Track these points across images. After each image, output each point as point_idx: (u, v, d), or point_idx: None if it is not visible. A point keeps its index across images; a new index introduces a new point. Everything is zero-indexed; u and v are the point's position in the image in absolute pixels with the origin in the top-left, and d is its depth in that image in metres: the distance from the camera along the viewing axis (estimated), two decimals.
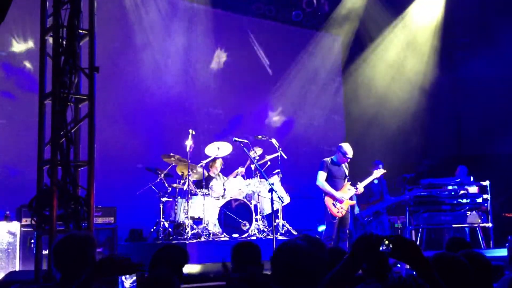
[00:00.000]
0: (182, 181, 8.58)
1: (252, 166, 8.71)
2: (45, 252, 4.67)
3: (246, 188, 8.63)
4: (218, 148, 8.85)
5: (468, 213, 9.01)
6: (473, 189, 9.27)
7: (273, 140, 8.62)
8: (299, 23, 12.32)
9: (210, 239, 7.87)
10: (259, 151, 8.84)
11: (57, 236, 4.24)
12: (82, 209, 4.50)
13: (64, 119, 4.58)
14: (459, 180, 9.29)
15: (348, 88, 13.24)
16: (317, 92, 12.69)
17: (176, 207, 8.33)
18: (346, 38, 12.93)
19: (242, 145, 8.12)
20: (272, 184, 7.63)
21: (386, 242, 2.27)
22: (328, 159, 8.01)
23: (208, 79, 11.31)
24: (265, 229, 8.47)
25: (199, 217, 8.22)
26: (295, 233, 8.43)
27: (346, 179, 8.06)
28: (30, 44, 9.11)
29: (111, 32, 9.76)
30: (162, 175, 8.51)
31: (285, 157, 8.75)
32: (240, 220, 8.09)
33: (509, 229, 8.48)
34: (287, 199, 8.62)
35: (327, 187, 7.83)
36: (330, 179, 7.90)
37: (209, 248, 7.53)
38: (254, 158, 8.53)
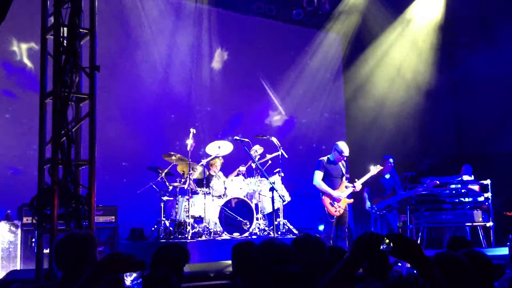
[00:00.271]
0: (183, 180, 8.59)
1: (253, 165, 8.72)
2: (46, 251, 4.67)
3: (247, 187, 8.63)
4: (219, 147, 8.86)
5: (469, 211, 9.01)
6: (474, 188, 9.26)
7: (274, 139, 8.62)
8: (299, 22, 12.31)
9: (211, 238, 7.88)
10: (260, 150, 8.84)
11: (58, 235, 4.25)
12: (83, 208, 4.51)
13: (65, 118, 4.58)
14: (460, 178, 9.28)
15: (348, 87, 13.23)
16: (318, 91, 12.69)
17: (177, 206, 8.35)
18: (347, 37, 12.92)
19: (243, 144, 8.12)
20: (273, 183, 7.64)
21: (387, 241, 2.27)
22: (324, 158, 8.00)
23: (209, 78, 11.31)
24: (266, 228, 8.48)
25: (200, 216, 8.22)
26: (296, 231, 8.44)
27: (343, 178, 8.06)
28: (31, 43, 9.12)
29: (111, 31, 9.77)
30: (163, 174, 8.52)
31: (286, 156, 8.75)
32: (241, 219, 8.10)
33: (510, 228, 8.48)
34: (287, 198, 8.62)
35: (324, 187, 7.82)
36: (327, 178, 7.89)
37: (210, 247, 7.53)
38: (255, 157, 8.54)
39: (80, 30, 4.78)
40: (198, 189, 8.44)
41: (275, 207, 7.53)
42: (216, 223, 8.11)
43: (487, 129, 11.68)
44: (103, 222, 7.55)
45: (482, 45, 11.79)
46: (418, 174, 10.38)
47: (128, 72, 10.29)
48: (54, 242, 2.98)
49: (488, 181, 9.05)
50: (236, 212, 8.14)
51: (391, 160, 9.10)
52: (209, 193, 8.32)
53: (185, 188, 8.44)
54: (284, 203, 8.51)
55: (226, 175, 9.09)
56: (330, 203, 7.79)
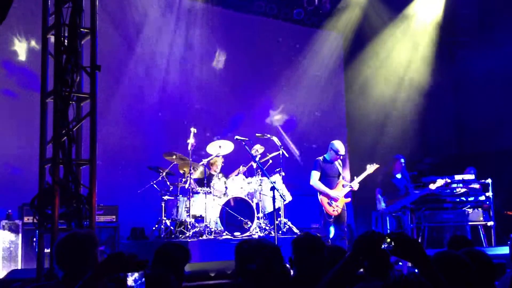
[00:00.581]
0: (183, 180, 8.59)
1: (254, 165, 8.72)
2: (47, 250, 4.66)
3: (247, 186, 8.63)
4: (220, 146, 8.86)
5: (470, 211, 9.01)
6: (475, 187, 9.26)
7: (275, 138, 8.62)
8: (300, 21, 12.31)
9: (212, 237, 7.88)
10: (260, 149, 8.84)
11: (59, 235, 4.25)
12: (84, 207, 4.51)
13: (65, 117, 4.57)
14: (461, 178, 9.27)
15: (349, 86, 13.23)
16: (318, 90, 12.67)
17: (177, 205, 8.35)
18: (347, 37, 12.91)
19: (243, 143, 8.12)
20: (274, 182, 7.63)
21: (388, 240, 2.27)
22: (320, 158, 7.99)
23: (209, 78, 11.30)
24: (267, 228, 8.48)
25: (200, 215, 8.22)
26: (296, 231, 8.44)
27: (340, 177, 8.06)
28: (32, 42, 9.12)
29: (112, 30, 9.77)
30: (164, 174, 8.52)
31: (287, 155, 8.74)
32: (241, 218, 8.10)
33: (511, 227, 8.48)
34: (288, 197, 8.62)
35: (321, 186, 7.81)
36: (324, 178, 7.88)
37: (210, 246, 7.54)
38: (255, 156, 8.54)
39: (81, 29, 4.78)
40: (199, 188, 8.44)
41: (276, 207, 7.52)
42: (217, 223, 8.11)
43: (488, 128, 11.66)
44: (104, 222, 7.56)
45: (482, 44, 11.78)
46: (419, 174, 10.39)
47: (129, 71, 10.29)
48: (55, 241, 2.98)
49: (489, 180, 9.05)
50: (237, 211, 8.14)
51: (402, 160, 8.99)
52: (210, 192, 8.32)
53: (186, 187, 8.44)
54: (285, 202, 8.51)
55: (227, 174, 9.09)
56: (328, 202, 7.79)
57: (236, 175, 8.93)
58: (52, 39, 4.79)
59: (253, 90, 11.83)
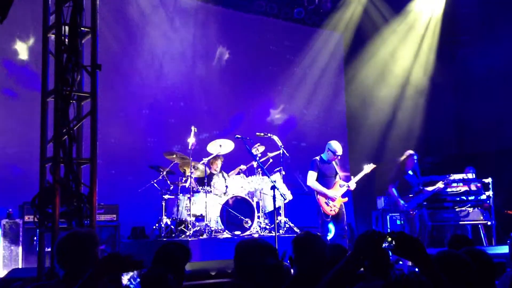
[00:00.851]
0: (184, 179, 8.60)
1: (254, 164, 8.72)
2: (48, 249, 4.67)
3: (248, 185, 8.64)
4: (220, 145, 8.86)
5: (470, 210, 9.01)
6: (476, 186, 9.26)
7: (275, 138, 8.61)
8: (301, 21, 12.31)
9: (212, 236, 7.88)
10: (261, 148, 8.84)
11: (59, 234, 4.25)
12: (84, 206, 4.50)
13: (66, 116, 4.57)
14: (461, 177, 9.27)
15: (349, 85, 13.23)
16: (319, 89, 12.68)
17: (178, 204, 8.35)
18: (348, 36, 12.91)
19: (244, 142, 8.12)
20: (274, 181, 7.64)
21: (389, 239, 2.27)
22: (317, 158, 7.99)
23: (210, 77, 11.31)
24: (267, 227, 8.48)
25: (201, 214, 8.23)
26: (297, 230, 8.44)
27: (337, 176, 8.05)
28: (32, 41, 9.12)
29: (113, 29, 9.77)
30: (164, 173, 8.52)
31: (287, 154, 8.74)
32: (242, 217, 8.11)
33: (511, 226, 8.48)
34: (289, 196, 8.62)
35: (319, 186, 7.82)
36: (321, 178, 7.88)
37: (211, 245, 7.54)
38: (256, 155, 8.54)
39: (82, 28, 4.78)
40: (199, 187, 8.45)
41: (276, 206, 7.52)
42: (217, 222, 8.11)
43: (488, 127, 11.66)
44: (104, 221, 7.57)
45: (482, 44, 11.77)
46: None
47: (130, 70, 10.29)
48: (56, 240, 2.98)
49: (489, 180, 9.05)
50: (237, 210, 8.14)
51: (415, 157, 8.78)
52: (210, 191, 8.33)
53: (186, 186, 8.45)
54: (286, 201, 8.51)
55: (227, 173, 9.09)
56: (326, 202, 7.80)
57: (236, 174, 8.93)
58: (52, 38, 4.79)
59: (253, 90, 11.84)
